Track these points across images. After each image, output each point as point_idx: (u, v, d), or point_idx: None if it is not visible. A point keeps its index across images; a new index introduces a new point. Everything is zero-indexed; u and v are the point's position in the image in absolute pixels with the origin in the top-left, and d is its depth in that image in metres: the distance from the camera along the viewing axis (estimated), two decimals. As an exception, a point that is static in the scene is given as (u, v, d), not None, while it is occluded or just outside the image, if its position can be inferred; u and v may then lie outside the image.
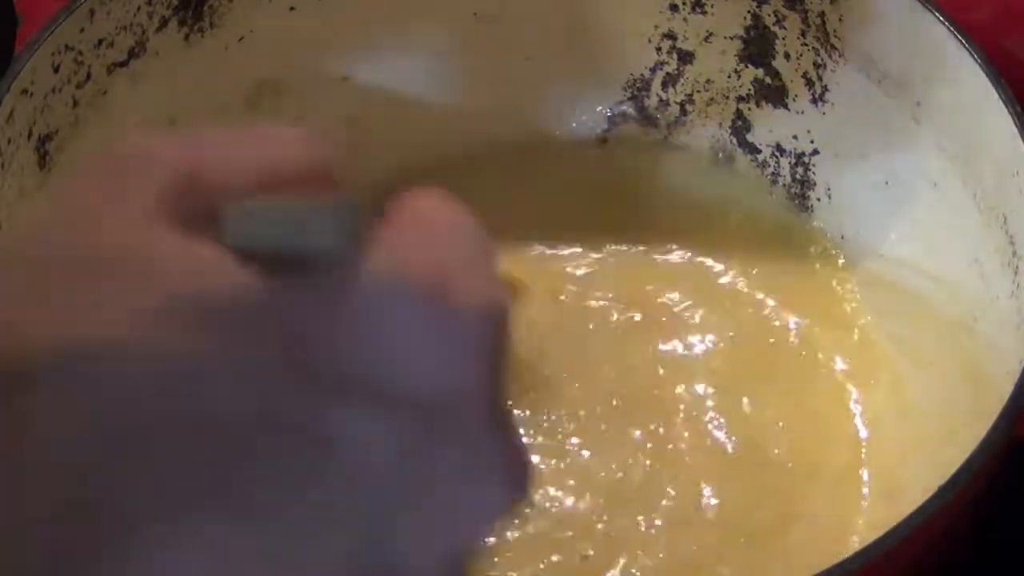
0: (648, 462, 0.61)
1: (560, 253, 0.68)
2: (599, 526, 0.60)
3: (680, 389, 0.63)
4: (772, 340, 0.65)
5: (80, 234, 0.32)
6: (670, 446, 0.62)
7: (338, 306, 0.31)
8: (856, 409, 0.64)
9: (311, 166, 0.34)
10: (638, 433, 0.62)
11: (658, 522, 0.60)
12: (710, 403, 0.63)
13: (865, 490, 0.61)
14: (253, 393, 0.30)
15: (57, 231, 0.32)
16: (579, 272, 0.67)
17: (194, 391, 0.30)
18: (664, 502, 0.60)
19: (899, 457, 0.62)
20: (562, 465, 0.61)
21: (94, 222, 0.32)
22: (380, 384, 0.31)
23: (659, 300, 0.66)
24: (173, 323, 0.30)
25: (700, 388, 0.63)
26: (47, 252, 0.31)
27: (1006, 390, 0.53)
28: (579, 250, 0.68)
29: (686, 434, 0.62)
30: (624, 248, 0.67)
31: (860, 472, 0.62)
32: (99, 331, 0.30)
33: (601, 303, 0.66)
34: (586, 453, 0.62)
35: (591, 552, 0.59)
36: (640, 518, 0.60)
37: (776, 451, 0.62)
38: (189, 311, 0.30)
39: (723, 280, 0.66)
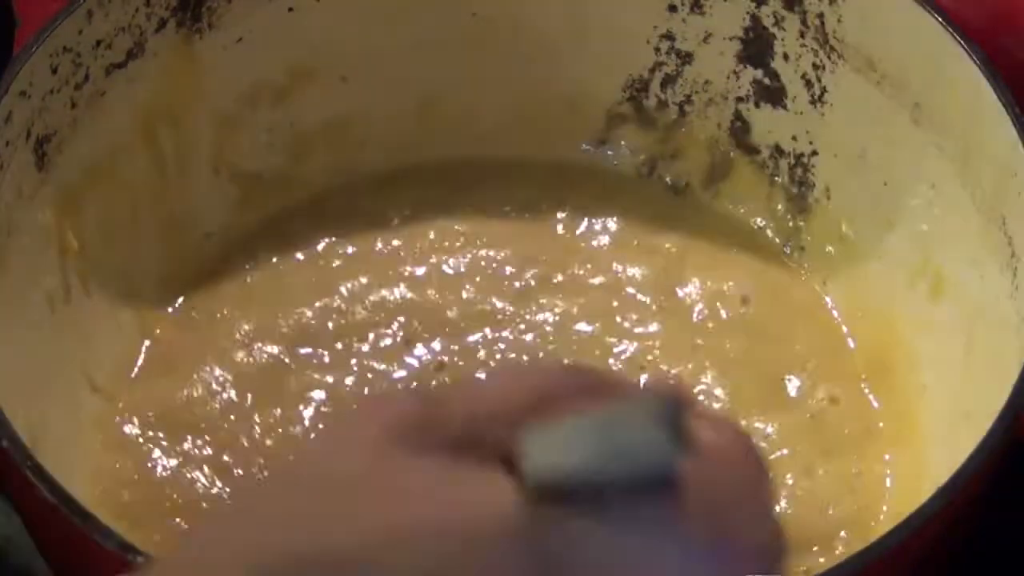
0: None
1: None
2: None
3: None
4: (767, 341, 0.65)
5: (326, 462, 0.32)
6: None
7: (624, 541, 0.31)
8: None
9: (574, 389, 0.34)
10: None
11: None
12: (707, 403, 0.63)
13: (858, 488, 0.61)
14: None
15: (313, 460, 0.33)
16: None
17: None
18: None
19: (897, 456, 0.62)
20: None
21: (337, 452, 0.33)
22: None
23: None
24: (417, 544, 0.30)
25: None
26: (307, 475, 0.32)
27: (1005, 391, 0.53)
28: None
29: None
30: (619, 247, 0.67)
31: (855, 470, 0.62)
32: (348, 546, 0.30)
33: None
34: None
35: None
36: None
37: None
38: (431, 533, 0.30)
39: (722, 280, 0.66)
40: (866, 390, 0.64)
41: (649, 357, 0.64)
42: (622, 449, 0.30)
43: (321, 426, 0.34)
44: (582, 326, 0.65)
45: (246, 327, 0.65)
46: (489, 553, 0.30)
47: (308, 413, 0.62)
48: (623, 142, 0.70)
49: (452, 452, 0.32)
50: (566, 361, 0.34)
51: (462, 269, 0.67)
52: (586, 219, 0.68)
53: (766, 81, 0.67)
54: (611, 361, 0.64)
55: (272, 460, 0.32)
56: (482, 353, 0.64)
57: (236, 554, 0.31)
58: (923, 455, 0.61)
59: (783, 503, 0.60)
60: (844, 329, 0.66)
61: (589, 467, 0.30)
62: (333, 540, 0.30)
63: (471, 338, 0.64)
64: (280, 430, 0.62)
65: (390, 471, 0.31)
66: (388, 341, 0.64)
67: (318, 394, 0.63)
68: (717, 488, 0.32)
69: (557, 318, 0.65)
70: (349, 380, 0.63)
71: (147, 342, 0.64)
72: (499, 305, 0.66)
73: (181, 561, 0.32)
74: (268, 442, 0.61)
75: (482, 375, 0.33)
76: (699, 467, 0.32)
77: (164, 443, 0.62)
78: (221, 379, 0.63)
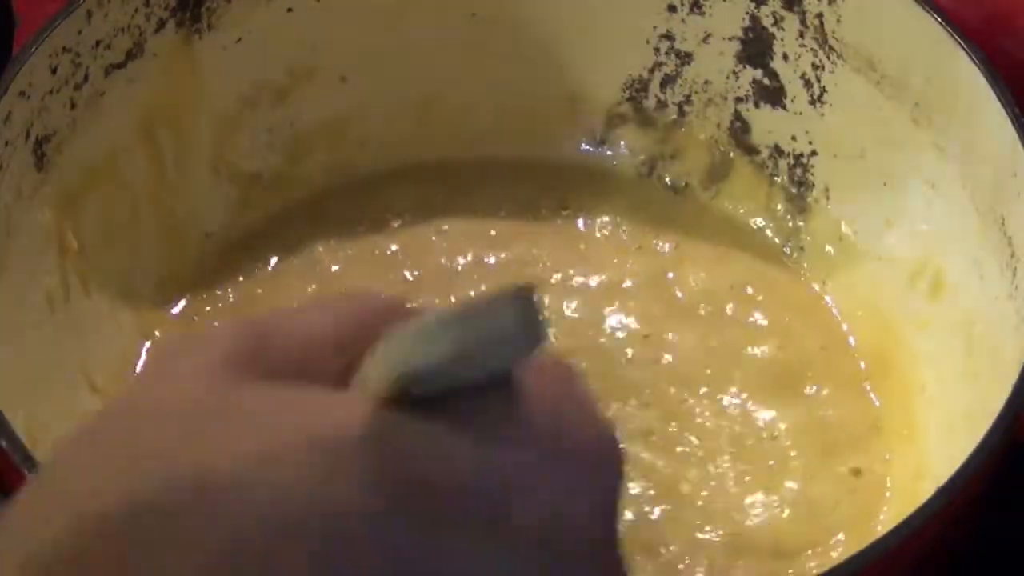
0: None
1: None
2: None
3: (673, 390, 0.63)
4: (767, 341, 0.65)
5: (171, 392, 0.32)
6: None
7: (467, 439, 0.32)
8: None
9: (386, 312, 0.35)
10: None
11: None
12: (708, 404, 0.63)
13: (858, 488, 0.61)
14: (367, 527, 0.30)
15: (150, 393, 0.33)
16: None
17: (311, 529, 0.30)
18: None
19: (897, 457, 0.62)
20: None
21: (176, 381, 0.32)
22: (500, 519, 0.31)
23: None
24: (280, 464, 0.30)
25: (693, 395, 0.63)
26: (151, 407, 0.32)
27: (1005, 391, 0.53)
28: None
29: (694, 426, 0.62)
30: (619, 248, 0.67)
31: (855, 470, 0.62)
32: (218, 471, 0.30)
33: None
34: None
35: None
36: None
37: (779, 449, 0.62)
38: (291, 452, 0.30)
39: (722, 280, 0.66)
40: (866, 390, 0.64)
41: (647, 356, 0.64)
42: (478, 338, 0.30)
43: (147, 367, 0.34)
44: (582, 327, 0.65)
45: (246, 327, 0.65)
46: (344, 460, 0.30)
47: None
48: (623, 142, 0.70)
49: (289, 378, 0.32)
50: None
51: (462, 269, 0.67)
52: (586, 219, 0.68)
53: (765, 81, 0.67)
54: (610, 361, 0.64)
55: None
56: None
57: (70, 502, 0.30)
58: (923, 455, 0.61)
59: (783, 503, 0.60)
60: (844, 329, 0.66)
61: (444, 360, 0.31)
62: (175, 475, 0.30)
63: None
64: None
65: (229, 396, 0.32)
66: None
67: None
68: (552, 389, 0.33)
69: (556, 318, 0.65)
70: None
71: (147, 343, 0.64)
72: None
73: (13, 515, 0.31)
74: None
75: (307, 305, 0.34)
76: (530, 371, 0.33)
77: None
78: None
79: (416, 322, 0.31)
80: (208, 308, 0.65)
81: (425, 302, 0.65)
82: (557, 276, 0.66)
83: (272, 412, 0.31)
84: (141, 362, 0.64)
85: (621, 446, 0.34)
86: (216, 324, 0.35)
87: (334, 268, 0.67)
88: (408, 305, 0.35)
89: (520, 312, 0.30)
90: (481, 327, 0.31)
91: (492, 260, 0.67)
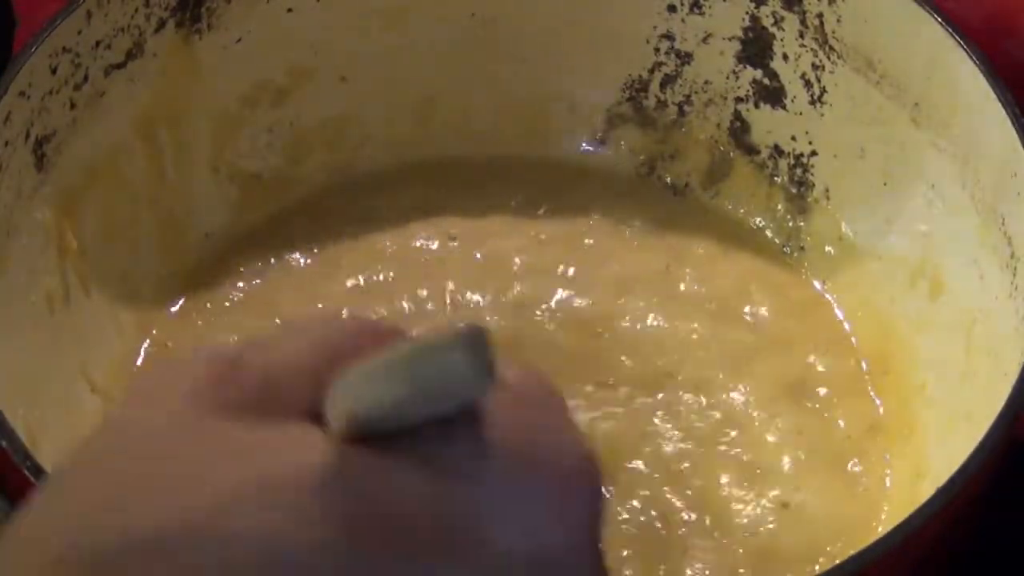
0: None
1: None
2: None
3: (672, 390, 0.63)
4: (767, 341, 0.65)
5: (137, 430, 0.33)
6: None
7: (440, 469, 0.31)
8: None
9: (371, 336, 0.34)
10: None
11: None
12: (707, 404, 0.63)
13: (858, 488, 0.61)
14: (330, 568, 0.30)
15: (119, 431, 0.33)
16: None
17: (280, 571, 0.30)
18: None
19: (897, 456, 0.62)
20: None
21: (144, 423, 0.33)
22: (481, 544, 0.31)
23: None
24: (231, 514, 0.30)
25: (693, 396, 0.64)
26: (117, 446, 0.33)
27: (1005, 391, 0.53)
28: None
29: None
30: (619, 247, 0.67)
31: (855, 470, 0.62)
32: (173, 520, 0.30)
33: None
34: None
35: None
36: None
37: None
38: (244, 500, 0.30)
39: (722, 280, 0.66)
40: (866, 390, 0.64)
41: (648, 356, 0.64)
42: (431, 383, 0.30)
43: (120, 397, 0.34)
44: (581, 326, 0.65)
45: (245, 327, 0.65)
46: (300, 504, 0.30)
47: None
48: (623, 142, 0.70)
49: (254, 412, 0.32)
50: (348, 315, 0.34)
51: (462, 269, 0.67)
52: (586, 219, 0.68)
53: (765, 81, 0.67)
54: (611, 361, 0.64)
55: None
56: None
57: (54, 537, 0.31)
58: (923, 455, 0.61)
59: (783, 503, 0.60)
60: (844, 328, 0.66)
61: (396, 401, 0.31)
62: (129, 531, 0.30)
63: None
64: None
65: (190, 436, 0.32)
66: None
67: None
68: (524, 417, 0.33)
69: (556, 318, 0.65)
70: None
71: (146, 342, 0.64)
72: (499, 306, 0.65)
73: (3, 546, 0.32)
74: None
75: (278, 332, 0.34)
76: (503, 398, 0.33)
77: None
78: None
79: (368, 362, 0.31)
80: (208, 308, 0.65)
81: (425, 301, 0.65)
82: (557, 276, 0.66)
83: (229, 454, 0.31)
84: (139, 360, 0.64)
85: (598, 468, 0.34)
86: (194, 350, 0.35)
87: (334, 268, 0.67)
88: (386, 330, 0.35)
89: (469, 353, 0.30)
90: (430, 368, 0.30)
91: (492, 260, 0.67)
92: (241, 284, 0.66)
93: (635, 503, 0.60)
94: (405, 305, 0.65)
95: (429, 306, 0.65)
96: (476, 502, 0.32)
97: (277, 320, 0.65)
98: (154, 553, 0.30)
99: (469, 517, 0.31)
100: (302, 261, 0.67)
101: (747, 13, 0.66)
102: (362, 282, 0.66)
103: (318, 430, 0.32)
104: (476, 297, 0.66)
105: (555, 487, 0.33)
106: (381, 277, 0.66)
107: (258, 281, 0.66)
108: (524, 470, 0.32)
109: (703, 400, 0.63)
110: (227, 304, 0.66)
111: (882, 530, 0.58)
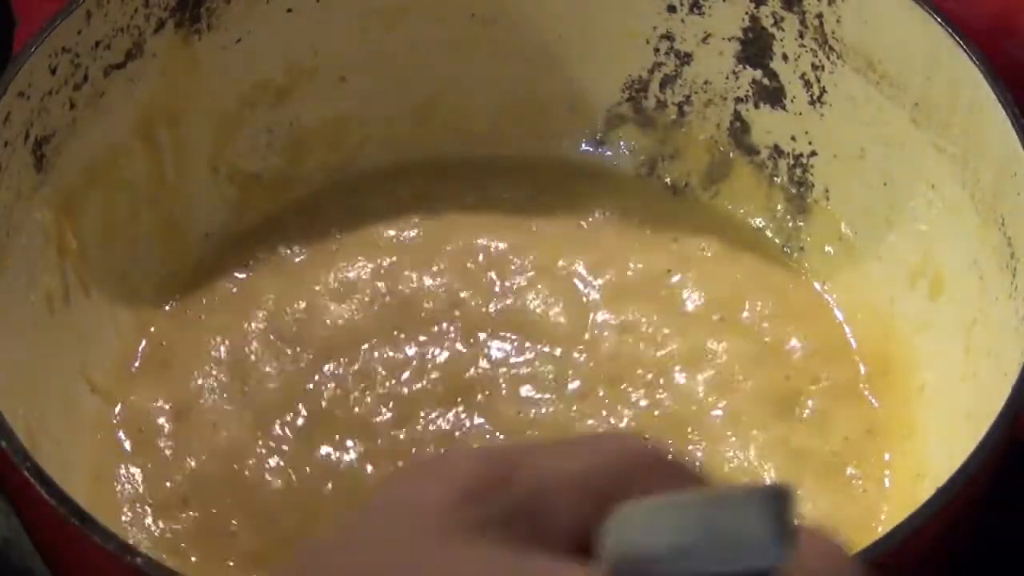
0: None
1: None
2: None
3: (672, 391, 0.63)
4: (767, 341, 0.65)
5: (379, 540, 0.30)
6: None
7: None
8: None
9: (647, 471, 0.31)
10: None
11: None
12: (707, 404, 0.63)
13: (858, 488, 0.61)
14: None
15: (366, 537, 0.31)
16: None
17: None
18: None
19: (897, 457, 0.62)
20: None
21: (399, 521, 0.30)
22: None
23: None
24: None
25: (693, 396, 0.64)
26: (364, 555, 0.30)
27: (1005, 391, 0.53)
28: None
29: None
30: (619, 248, 0.67)
31: (855, 471, 0.62)
32: None
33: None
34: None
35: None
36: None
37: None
38: None
39: (722, 280, 0.66)
40: (866, 390, 0.64)
41: (648, 356, 0.64)
42: (722, 538, 0.28)
43: (384, 481, 0.31)
44: (581, 327, 0.65)
45: (245, 327, 0.65)
46: None
47: (306, 413, 0.62)
48: (623, 142, 0.70)
49: (515, 532, 0.30)
50: (648, 438, 0.30)
51: (462, 269, 0.66)
52: (586, 219, 0.68)
53: (765, 81, 0.67)
54: (610, 360, 0.64)
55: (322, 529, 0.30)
56: (483, 354, 0.64)
57: None
58: (923, 455, 0.61)
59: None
60: (844, 329, 0.66)
61: (679, 547, 0.28)
62: None
63: (472, 339, 0.64)
64: (279, 430, 0.62)
65: (446, 554, 0.29)
66: (388, 341, 0.64)
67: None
68: None
69: (559, 317, 0.65)
70: (349, 380, 0.63)
71: (145, 342, 0.64)
72: (499, 306, 0.66)
73: None
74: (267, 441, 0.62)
75: (558, 441, 0.32)
76: (797, 567, 0.29)
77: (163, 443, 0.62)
78: (220, 379, 0.63)
79: (654, 498, 0.29)
80: (208, 308, 0.65)
81: (425, 301, 0.65)
82: (556, 276, 0.66)
83: None
84: (139, 364, 0.64)
85: None
86: (458, 452, 0.32)
87: (334, 268, 0.66)
88: (677, 465, 0.31)
89: (771, 512, 0.27)
90: (723, 518, 0.28)
91: (492, 260, 0.67)
92: (241, 284, 0.66)
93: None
94: (406, 305, 0.65)
95: (429, 306, 0.65)
96: None
97: (278, 318, 0.65)
98: None
99: None
100: (302, 261, 0.67)
101: (747, 13, 0.66)
102: (362, 283, 0.66)
103: (583, 569, 0.29)
104: (476, 299, 0.66)
105: None
106: (382, 278, 0.66)
107: (257, 281, 0.66)
108: None
109: (702, 399, 0.63)
110: (227, 304, 0.66)
111: (882, 531, 0.58)
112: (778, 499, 0.28)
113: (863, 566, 0.32)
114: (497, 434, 0.62)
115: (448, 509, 0.30)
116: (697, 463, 0.61)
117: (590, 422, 0.62)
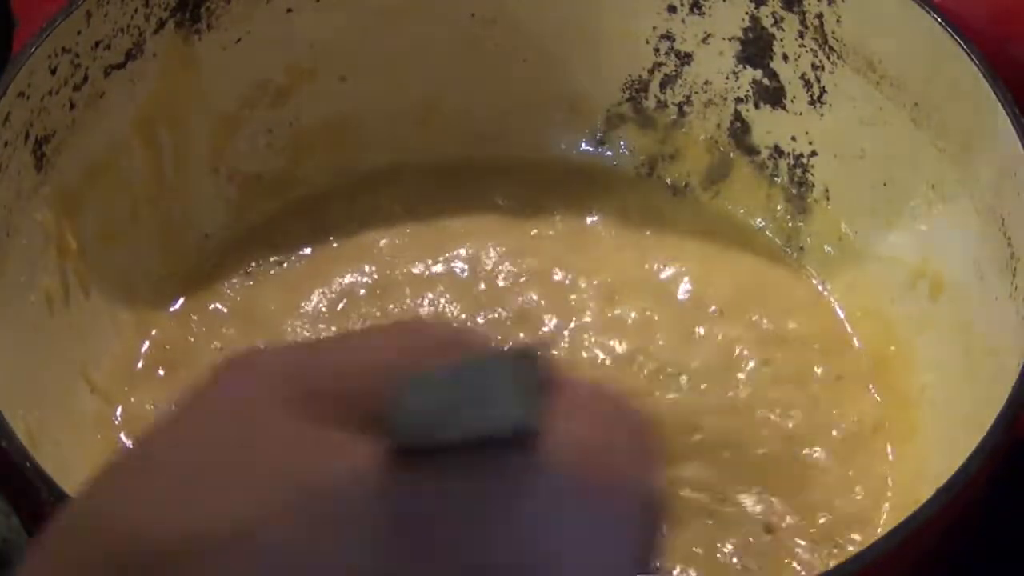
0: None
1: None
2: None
3: (673, 391, 0.63)
4: (768, 341, 0.65)
5: (199, 425, 0.33)
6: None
7: (498, 498, 0.31)
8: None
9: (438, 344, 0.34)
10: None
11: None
12: (707, 404, 0.63)
13: (858, 488, 0.61)
14: None
15: (180, 432, 0.33)
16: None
17: None
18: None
19: (897, 457, 0.62)
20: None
21: (213, 408, 0.33)
22: (520, 569, 0.31)
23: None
24: (295, 517, 0.30)
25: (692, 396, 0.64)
26: (176, 453, 0.33)
27: (1005, 391, 0.53)
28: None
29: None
30: (619, 248, 0.67)
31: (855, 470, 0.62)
32: (222, 525, 0.30)
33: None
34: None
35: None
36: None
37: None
38: (305, 505, 0.30)
39: (722, 280, 0.66)
40: (866, 390, 0.64)
41: (648, 357, 0.64)
42: (478, 400, 0.30)
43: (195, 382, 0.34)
44: (581, 326, 0.65)
45: (245, 327, 0.65)
46: (352, 517, 0.30)
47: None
48: (623, 142, 0.70)
49: (323, 409, 0.32)
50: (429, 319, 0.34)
51: (462, 269, 0.67)
52: (586, 219, 0.68)
53: (765, 81, 0.67)
54: (609, 360, 0.64)
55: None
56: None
57: (99, 545, 0.31)
58: (923, 455, 0.61)
59: (783, 504, 0.60)
60: (844, 329, 0.66)
61: (450, 417, 0.30)
62: (202, 523, 0.30)
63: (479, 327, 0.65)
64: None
65: (259, 430, 0.32)
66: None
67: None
68: (585, 436, 0.32)
69: (556, 318, 0.65)
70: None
71: (146, 343, 0.64)
72: (499, 305, 0.66)
73: (45, 555, 0.32)
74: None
75: (357, 333, 0.37)
76: (572, 424, 0.32)
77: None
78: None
79: (422, 372, 0.31)
80: (208, 308, 0.65)
81: (425, 301, 0.65)
82: (556, 276, 0.66)
83: (284, 457, 0.31)
84: (140, 361, 0.64)
85: (662, 493, 0.33)
86: (276, 346, 0.35)
87: (334, 268, 0.67)
88: (469, 338, 0.34)
89: (512, 374, 0.30)
90: (476, 383, 0.30)
91: (492, 260, 0.67)
92: (240, 284, 0.66)
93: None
94: (405, 305, 0.65)
95: (429, 306, 0.65)
96: (519, 524, 0.31)
97: (278, 318, 0.65)
98: (191, 560, 0.30)
99: (512, 541, 0.31)
100: (302, 261, 0.67)
101: (747, 13, 0.66)
102: (362, 283, 0.66)
103: (369, 441, 0.31)
104: (476, 296, 0.66)
105: (609, 512, 0.32)
106: (383, 278, 0.66)
107: (257, 282, 0.66)
108: (576, 494, 0.31)
109: (702, 400, 0.63)
110: (227, 304, 0.66)
111: (882, 531, 0.58)
112: (526, 358, 0.30)
113: (637, 429, 0.34)
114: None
115: (252, 397, 0.32)
116: (693, 459, 0.61)
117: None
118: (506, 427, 0.30)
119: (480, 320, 0.65)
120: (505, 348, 0.31)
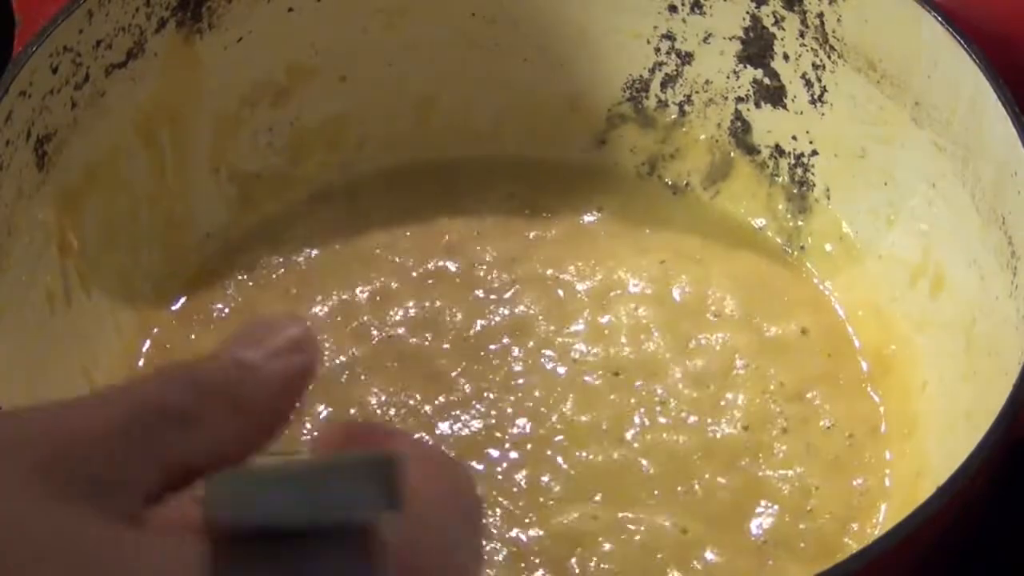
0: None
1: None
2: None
3: (673, 390, 0.63)
4: (769, 340, 0.65)
5: None
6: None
7: None
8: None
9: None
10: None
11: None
12: (708, 403, 0.63)
13: (858, 487, 0.61)
14: None
15: None
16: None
17: None
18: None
19: (897, 456, 0.62)
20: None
21: None
22: None
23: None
24: None
25: (692, 396, 0.64)
26: None
27: (1005, 390, 0.53)
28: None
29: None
30: (619, 247, 0.67)
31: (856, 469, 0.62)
32: None
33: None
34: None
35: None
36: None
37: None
38: None
39: (722, 279, 0.66)
40: (867, 389, 0.64)
41: (648, 357, 0.64)
42: (326, 500, 0.29)
43: None
44: (581, 326, 0.65)
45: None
46: None
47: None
48: (623, 142, 0.70)
49: (95, 489, 0.29)
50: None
51: (462, 268, 0.67)
52: (586, 219, 0.68)
53: (766, 81, 0.67)
54: (609, 360, 0.64)
55: None
56: (483, 352, 0.64)
57: None
58: (923, 454, 0.61)
59: (783, 504, 0.60)
60: (844, 328, 0.66)
61: (288, 514, 0.29)
62: None
63: (472, 337, 0.64)
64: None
65: (51, 529, 0.28)
66: (388, 341, 0.64)
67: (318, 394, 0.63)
68: (420, 535, 0.31)
69: (554, 319, 0.65)
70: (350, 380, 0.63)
71: (147, 342, 0.64)
72: (499, 305, 0.66)
73: None
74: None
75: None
76: (408, 511, 0.30)
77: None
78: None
79: (258, 468, 0.30)
80: (208, 308, 0.65)
81: (425, 301, 0.65)
82: (557, 276, 0.66)
83: (109, 564, 0.28)
84: (140, 361, 0.64)
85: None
86: (23, 416, 0.30)
87: (334, 268, 0.67)
88: (234, 391, 0.32)
89: (375, 483, 0.29)
90: (331, 489, 0.29)
91: (491, 259, 0.67)
92: (241, 284, 0.66)
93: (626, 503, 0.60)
94: (405, 304, 0.65)
95: (429, 305, 0.65)
96: None
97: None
98: None
99: None
100: (302, 261, 0.67)
101: (747, 13, 0.66)
102: (362, 282, 0.66)
103: (193, 544, 0.29)
104: (477, 296, 0.66)
105: None
106: (382, 278, 0.66)
107: (258, 281, 0.66)
108: None
109: (702, 400, 0.63)
110: (227, 304, 0.66)
111: (882, 530, 0.58)
112: (385, 467, 0.29)
113: (474, 510, 0.33)
114: (496, 434, 0.62)
115: (18, 487, 0.29)
116: (694, 459, 0.61)
117: (583, 419, 0.62)
118: (353, 521, 0.29)
119: (479, 323, 0.65)
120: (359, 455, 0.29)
